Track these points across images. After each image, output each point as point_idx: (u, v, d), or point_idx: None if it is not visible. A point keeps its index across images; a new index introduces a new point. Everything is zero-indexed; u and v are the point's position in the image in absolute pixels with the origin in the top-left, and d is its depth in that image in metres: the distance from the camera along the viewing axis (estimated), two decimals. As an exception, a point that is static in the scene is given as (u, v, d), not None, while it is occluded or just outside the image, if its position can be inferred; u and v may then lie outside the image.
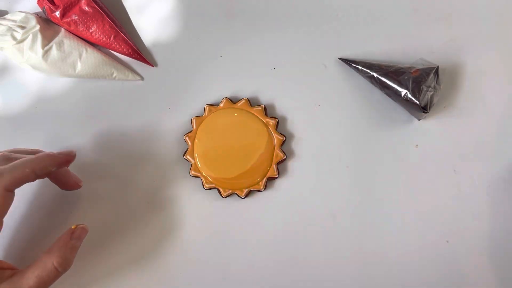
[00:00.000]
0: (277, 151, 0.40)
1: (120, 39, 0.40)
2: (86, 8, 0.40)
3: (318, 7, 0.42)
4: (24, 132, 0.42)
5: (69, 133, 0.41)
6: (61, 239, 0.34)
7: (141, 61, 0.41)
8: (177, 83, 0.42)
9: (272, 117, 0.40)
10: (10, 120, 0.42)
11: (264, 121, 0.40)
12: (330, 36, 0.41)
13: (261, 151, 0.40)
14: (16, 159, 0.34)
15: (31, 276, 0.32)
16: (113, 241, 0.40)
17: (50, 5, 0.39)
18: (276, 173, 0.40)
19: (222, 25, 0.42)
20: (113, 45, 0.41)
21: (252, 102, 0.41)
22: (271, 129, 0.40)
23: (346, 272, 0.40)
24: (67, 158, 0.36)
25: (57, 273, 0.33)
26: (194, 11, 0.42)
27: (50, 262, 0.32)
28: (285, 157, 0.40)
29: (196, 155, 0.40)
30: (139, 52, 0.41)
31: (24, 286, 0.31)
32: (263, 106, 0.40)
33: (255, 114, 0.40)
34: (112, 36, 0.40)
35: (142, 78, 0.41)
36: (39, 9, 0.41)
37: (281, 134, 0.40)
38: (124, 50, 0.41)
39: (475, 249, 0.40)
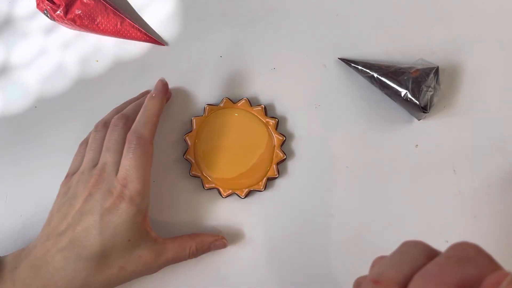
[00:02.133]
0: (277, 151, 0.40)
1: (127, 25, 0.40)
2: (86, 0, 0.40)
3: (318, 7, 0.42)
4: (24, 132, 0.42)
5: (70, 133, 0.41)
6: (208, 236, 0.38)
7: (153, 42, 0.42)
8: (178, 82, 0.42)
9: (272, 117, 0.40)
10: (10, 120, 0.42)
11: (264, 121, 0.40)
12: (330, 36, 0.42)
13: (261, 151, 0.40)
14: (132, 116, 0.37)
15: (171, 250, 0.36)
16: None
17: (51, 5, 0.40)
18: (276, 173, 0.40)
19: (222, 25, 0.42)
20: (121, 32, 0.41)
21: (252, 102, 0.41)
22: (271, 129, 0.40)
23: (346, 272, 0.40)
24: (165, 87, 0.38)
25: (185, 258, 0.37)
26: (193, 11, 0.42)
27: (189, 247, 0.37)
28: (285, 157, 0.40)
29: (196, 155, 0.40)
30: (149, 34, 0.41)
31: (164, 255, 0.36)
32: (263, 106, 0.40)
33: (255, 114, 0.40)
34: (119, 23, 0.40)
35: None
36: (39, 13, 0.41)
37: (281, 134, 0.40)
38: (133, 35, 0.41)
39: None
